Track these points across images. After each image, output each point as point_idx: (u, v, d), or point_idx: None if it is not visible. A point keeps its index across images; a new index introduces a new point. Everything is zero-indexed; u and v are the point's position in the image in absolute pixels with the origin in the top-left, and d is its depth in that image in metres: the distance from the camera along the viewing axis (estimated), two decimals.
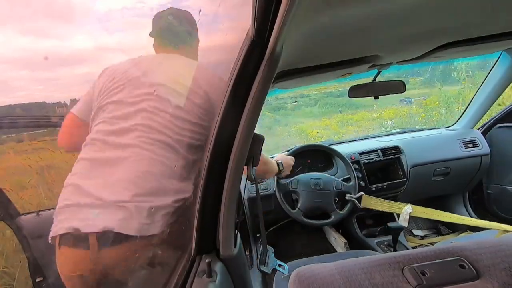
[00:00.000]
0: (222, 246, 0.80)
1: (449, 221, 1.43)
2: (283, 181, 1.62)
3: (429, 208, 1.48)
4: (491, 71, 1.81)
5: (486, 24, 0.77)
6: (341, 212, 1.56)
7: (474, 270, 0.41)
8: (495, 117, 2.03)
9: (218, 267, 0.78)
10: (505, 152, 1.96)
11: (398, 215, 1.96)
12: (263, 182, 1.81)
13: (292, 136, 4.51)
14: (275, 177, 1.61)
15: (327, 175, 1.66)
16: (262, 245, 0.97)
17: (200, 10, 0.88)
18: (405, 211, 1.50)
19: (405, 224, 1.50)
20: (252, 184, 1.76)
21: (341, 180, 1.66)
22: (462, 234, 2.05)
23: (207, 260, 0.76)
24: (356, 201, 1.58)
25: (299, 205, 1.55)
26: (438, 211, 1.45)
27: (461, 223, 1.41)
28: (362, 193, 1.60)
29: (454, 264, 0.42)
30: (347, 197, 1.59)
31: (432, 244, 2.03)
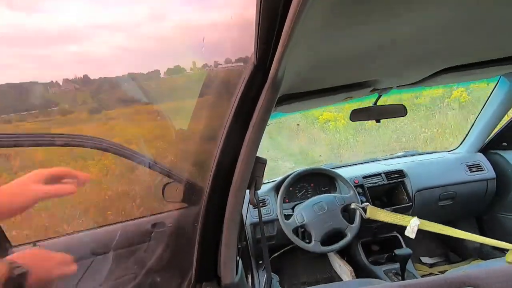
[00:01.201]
0: (223, 274, 0.77)
1: (459, 236, 1.37)
2: (287, 219, 1.60)
3: (437, 224, 1.43)
4: (491, 95, 1.82)
5: (484, 50, 0.79)
6: (353, 225, 1.56)
7: None
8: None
9: None
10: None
11: (406, 241, 1.91)
12: (266, 206, 1.78)
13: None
14: (279, 211, 1.61)
15: (327, 195, 1.64)
16: (266, 272, 0.93)
17: (203, 38, 0.91)
18: (413, 223, 1.46)
19: (412, 236, 1.45)
20: (254, 208, 1.73)
21: (345, 204, 1.63)
22: (473, 262, 1.97)
23: None
24: (362, 210, 1.55)
25: (313, 237, 1.52)
26: (447, 226, 1.40)
27: (472, 239, 1.35)
28: (367, 203, 1.57)
29: None
30: (353, 205, 1.58)
31: (442, 272, 1.94)
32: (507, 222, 1.93)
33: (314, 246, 1.50)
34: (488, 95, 1.85)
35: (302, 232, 1.62)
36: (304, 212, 1.58)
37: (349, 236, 1.53)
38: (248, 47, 0.53)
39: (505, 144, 1.95)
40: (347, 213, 1.64)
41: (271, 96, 0.57)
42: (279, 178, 1.90)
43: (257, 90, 0.59)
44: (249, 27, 0.47)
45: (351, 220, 1.60)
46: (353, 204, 1.58)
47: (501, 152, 1.95)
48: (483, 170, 1.92)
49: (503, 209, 1.96)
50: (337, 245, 1.53)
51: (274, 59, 0.49)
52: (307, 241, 1.55)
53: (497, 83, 1.78)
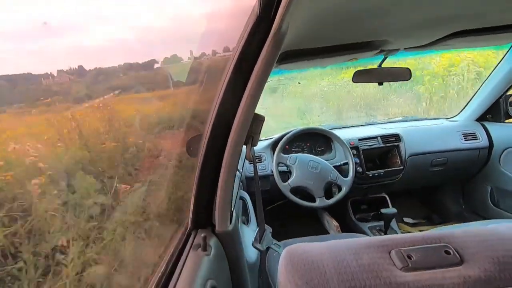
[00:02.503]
0: (218, 222, 0.82)
1: None
2: (282, 155, 1.64)
3: None
4: (498, 65, 1.77)
5: (498, 14, 0.75)
6: (327, 200, 1.59)
7: (458, 256, 0.42)
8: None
9: (213, 241, 0.81)
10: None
11: (392, 202, 2.00)
12: (261, 162, 1.83)
13: None
14: (275, 169, 1.64)
15: (327, 162, 1.68)
16: (259, 223, 0.99)
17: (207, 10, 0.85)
18: None
19: None
20: (250, 163, 1.78)
21: (339, 164, 1.68)
22: (453, 224, 2.10)
23: (202, 235, 0.78)
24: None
25: (289, 180, 1.59)
26: None
27: None
28: None
29: (440, 249, 0.43)
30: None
31: (422, 231, 2.08)
32: (483, 190, 2.03)
33: (320, 202, 1.57)
34: (495, 65, 1.80)
35: (285, 175, 1.68)
36: (299, 159, 1.64)
37: (316, 203, 1.58)
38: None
39: (490, 116, 1.98)
40: (340, 169, 1.70)
41: (273, 50, 0.55)
42: (276, 136, 1.92)
43: (259, 43, 0.56)
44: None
45: (328, 196, 1.65)
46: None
47: (487, 124, 1.99)
48: (477, 139, 1.94)
49: (481, 178, 2.04)
50: (336, 198, 1.61)
51: (279, 10, 0.46)
52: (311, 200, 1.60)
53: (506, 52, 1.72)
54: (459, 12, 0.70)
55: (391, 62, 1.48)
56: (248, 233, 1.26)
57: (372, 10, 0.60)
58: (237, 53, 0.60)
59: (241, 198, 1.52)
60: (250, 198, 1.85)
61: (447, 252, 0.43)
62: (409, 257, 0.42)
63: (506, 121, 1.92)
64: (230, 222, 0.87)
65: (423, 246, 0.44)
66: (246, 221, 1.42)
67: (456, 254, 0.42)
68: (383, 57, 1.29)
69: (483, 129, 1.97)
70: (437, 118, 2.21)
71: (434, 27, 0.84)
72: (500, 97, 1.85)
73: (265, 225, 1.02)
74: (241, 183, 1.83)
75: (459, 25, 0.84)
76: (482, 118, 2.01)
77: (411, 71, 1.42)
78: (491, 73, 1.84)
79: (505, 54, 1.74)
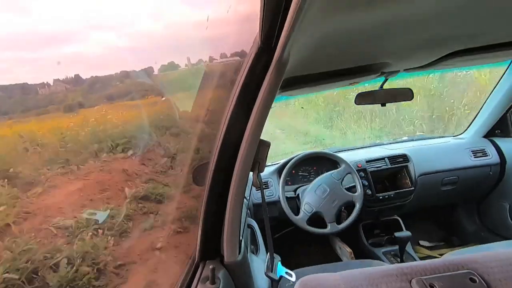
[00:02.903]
0: (226, 252, 0.80)
1: None
2: (297, 215, 1.61)
3: None
4: (500, 81, 1.78)
5: (496, 33, 0.76)
6: (356, 194, 1.58)
7: (484, 284, 0.39)
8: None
9: (221, 273, 0.77)
10: None
11: (406, 224, 1.94)
12: (268, 188, 1.80)
13: None
14: (282, 194, 1.62)
15: (323, 175, 1.67)
16: (269, 252, 0.95)
17: (207, 17, 0.89)
18: None
19: None
20: (257, 190, 1.75)
21: (347, 187, 1.65)
22: (472, 246, 2.00)
23: (210, 266, 0.75)
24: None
25: (327, 220, 1.55)
26: None
27: None
28: None
29: (464, 277, 0.41)
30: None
31: (440, 255, 1.98)
32: (501, 208, 1.95)
33: (331, 228, 1.53)
34: (497, 81, 1.81)
35: (296, 207, 1.65)
36: (310, 199, 1.60)
37: (358, 205, 1.56)
38: (253, 28, 0.52)
39: (499, 131, 1.95)
40: (344, 211, 1.66)
41: (276, 78, 0.56)
42: (282, 161, 1.91)
43: (261, 72, 0.58)
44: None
45: (343, 218, 1.63)
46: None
47: (496, 139, 1.96)
48: (487, 155, 1.91)
49: (497, 195, 1.97)
50: (351, 218, 1.56)
51: (280, 39, 0.48)
52: (323, 226, 1.56)
53: (507, 68, 1.73)
54: (457, 32, 0.72)
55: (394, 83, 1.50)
56: (258, 262, 1.22)
57: (370, 33, 0.62)
58: (241, 82, 0.62)
59: (249, 226, 1.48)
60: (258, 225, 1.81)
61: (473, 280, 0.40)
62: (432, 286, 0.40)
63: None
64: (239, 252, 0.84)
65: (446, 274, 0.42)
66: (255, 250, 1.37)
67: (482, 281, 0.40)
68: (384, 78, 1.31)
69: (492, 145, 1.94)
70: (444, 137, 2.19)
71: (433, 48, 0.85)
72: (507, 111, 1.84)
73: (274, 253, 0.99)
74: (248, 211, 1.79)
75: (457, 45, 0.86)
76: (490, 134, 1.98)
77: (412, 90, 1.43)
78: (493, 90, 1.84)
79: (506, 70, 1.75)
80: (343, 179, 1.65)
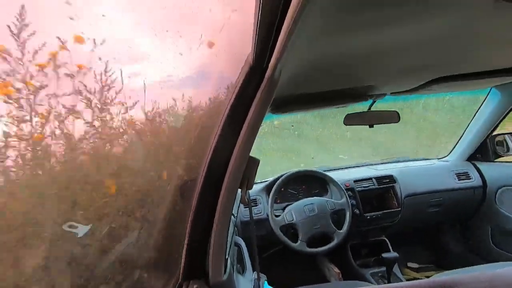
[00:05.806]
0: (212, 272, 0.77)
1: None
2: (277, 217, 1.61)
3: None
4: (482, 105, 1.86)
5: (477, 61, 0.81)
6: (341, 231, 1.58)
7: None
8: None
9: None
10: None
11: (393, 245, 1.94)
12: (257, 206, 1.78)
13: None
14: (270, 211, 1.62)
15: (319, 198, 1.66)
16: (255, 271, 0.93)
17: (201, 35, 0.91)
18: None
19: None
20: (245, 207, 1.73)
21: (336, 209, 1.65)
22: (459, 269, 2.01)
23: (195, 286, 0.73)
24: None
25: (300, 237, 1.54)
26: None
27: None
28: None
29: None
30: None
31: (427, 277, 1.98)
32: (483, 231, 1.98)
33: (299, 245, 1.53)
34: (479, 106, 1.89)
35: (291, 231, 1.63)
36: (294, 211, 1.60)
37: (335, 241, 1.56)
38: (245, 47, 0.53)
39: (479, 155, 2.02)
40: (337, 215, 1.66)
41: (266, 96, 0.57)
42: (270, 179, 1.91)
43: (252, 90, 0.59)
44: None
45: (340, 225, 1.63)
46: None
47: (477, 163, 2.03)
48: (470, 178, 1.96)
49: (480, 218, 2.02)
50: (323, 248, 1.56)
51: (272, 59, 0.49)
52: (294, 240, 1.56)
53: (488, 94, 1.82)
54: (438, 61, 0.76)
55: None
56: (244, 283, 1.18)
57: (356, 57, 0.64)
58: (232, 99, 0.63)
59: (236, 244, 1.45)
60: (246, 243, 1.77)
61: None
62: None
63: (496, 160, 1.96)
64: (225, 272, 0.81)
65: None
66: (242, 269, 1.34)
67: None
68: (371, 101, 1.35)
69: (474, 169, 2.00)
70: (428, 159, 2.25)
71: (417, 74, 0.90)
72: (487, 137, 1.91)
73: (260, 273, 0.96)
74: (236, 229, 1.76)
75: (441, 71, 0.90)
76: (472, 158, 2.05)
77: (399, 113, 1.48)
78: (474, 115, 1.92)
79: (485, 98, 1.83)
80: (335, 213, 1.65)
